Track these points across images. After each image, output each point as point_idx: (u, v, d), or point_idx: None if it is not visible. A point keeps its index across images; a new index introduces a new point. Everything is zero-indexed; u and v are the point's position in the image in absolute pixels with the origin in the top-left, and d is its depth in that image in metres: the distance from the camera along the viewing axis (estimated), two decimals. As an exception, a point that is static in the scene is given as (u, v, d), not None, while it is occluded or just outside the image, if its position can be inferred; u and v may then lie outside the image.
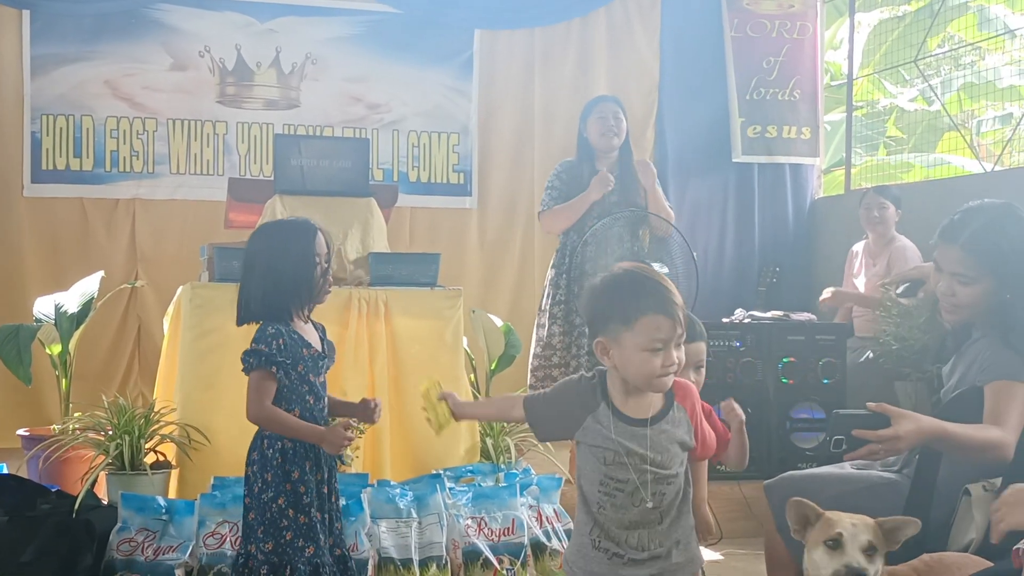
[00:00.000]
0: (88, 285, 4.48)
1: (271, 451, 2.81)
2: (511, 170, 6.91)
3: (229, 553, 3.32)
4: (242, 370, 2.84)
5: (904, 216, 5.70)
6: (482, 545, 3.55)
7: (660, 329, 2.14)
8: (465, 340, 4.66)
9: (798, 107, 7.14)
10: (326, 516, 2.88)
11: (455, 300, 4.24)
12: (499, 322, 4.74)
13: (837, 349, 5.24)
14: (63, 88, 6.29)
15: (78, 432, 3.93)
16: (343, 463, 3.47)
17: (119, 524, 3.36)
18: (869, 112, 10.18)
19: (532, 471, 4.10)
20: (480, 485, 3.80)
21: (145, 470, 3.77)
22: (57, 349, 4.32)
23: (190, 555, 3.33)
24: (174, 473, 3.93)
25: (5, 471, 4.02)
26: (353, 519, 3.41)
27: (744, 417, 2.68)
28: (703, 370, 2.82)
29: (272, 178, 4.53)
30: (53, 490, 3.61)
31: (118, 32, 6.36)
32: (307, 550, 2.77)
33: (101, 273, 4.64)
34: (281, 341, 2.78)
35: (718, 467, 3.05)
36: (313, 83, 6.67)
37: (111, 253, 6.29)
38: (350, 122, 6.71)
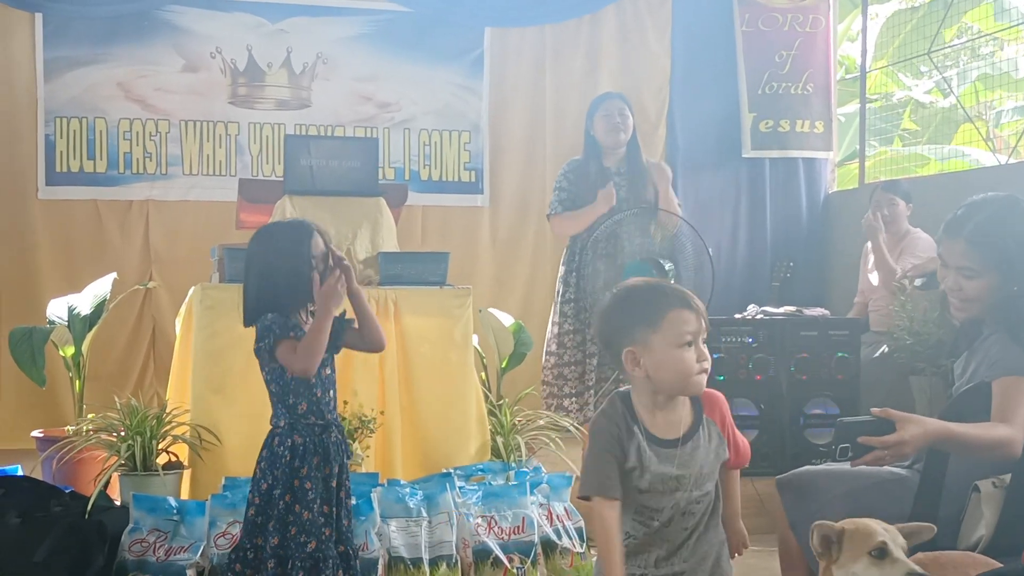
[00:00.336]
0: (101, 287, 4.50)
1: (281, 448, 2.86)
2: (522, 168, 6.90)
3: (240, 553, 3.33)
4: (259, 357, 2.89)
5: (917, 210, 5.67)
6: (492, 544, 3.55)
7: (687, 322, 2.14)
8: (476, 338, 4.66)
9: (811, 101, 7.10)
10: (333, 510, 2.90)
11: (464, 299, 4.24)
12: (508, 320, 4.73)
13: (851, 344, 5.22)
14: (76, 91, 6.32)
15: (91, 433, 3.95)
16: (352, 460, 3.47)
17: (131, 525, 3.38)
18: (884, 105, 10.13)
19: (543, 469, 4.10)
20: (490, 484, 3.80)
21: (157, 471, 3.78)
22: (70, 351, 4.34)
23: (201, 555, 3.34)
24: (186, 474, 3.94)
25: (20, 472, 4.05)
26: (363, 519, 3.42)
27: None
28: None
29: (282, 178, 4.55)
30: (67, 491, 3.63)
31: (130, 34, 6.39)
32: (308, 545, 2.81)
33: (114, 275, 4.66)
34: (281, 322, 2.84)
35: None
36: (324, 83, 6.68)
37: (125, 254, 6.32)
38: (361, 121, 6.71)
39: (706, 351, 2.17)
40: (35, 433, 4.41)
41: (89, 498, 3.50)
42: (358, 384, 3.96)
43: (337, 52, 6.70)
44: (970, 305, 2.71)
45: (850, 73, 9.76)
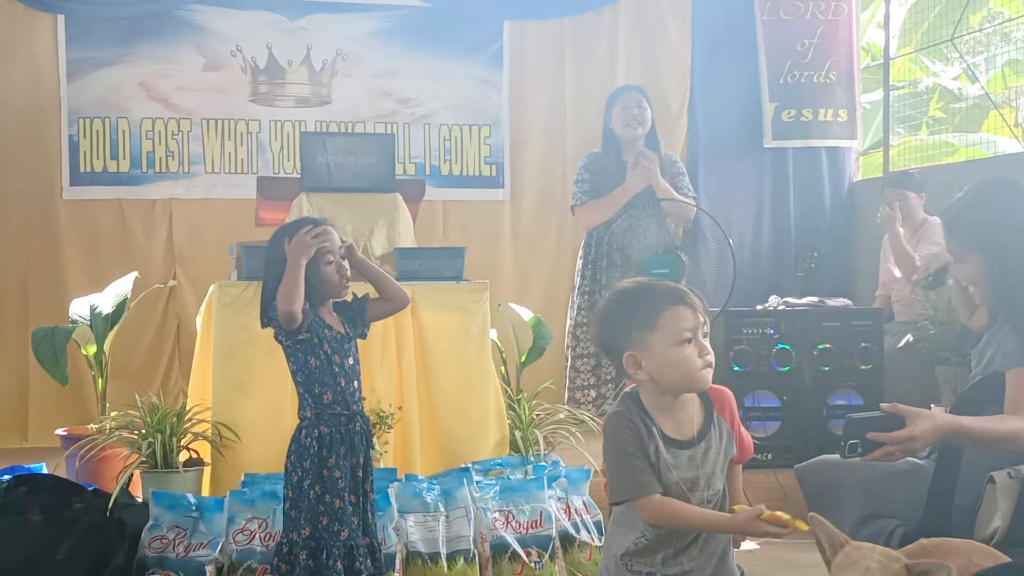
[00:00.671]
0: (122, 286, 4.54)
1: (308, 439, 2.91)
2: (543, 161, 6.89)
3: (259, 549, 3.36)
4: (278, 340, 3.00)
5: (941, 199, 5.60)
6: (510, 538, 3.55)
7: (684, 319, 2.11)
8: (495, 333, 4.67)
9: (834, 89, 7.04)
10: (360, 499, 2.95)
11: (481, 293, 4.24)
12: (527, 315, 4.73)
13: (874, 334, 5.17)
14: (99, 91, 6.38)
15: (113, 431, 3.99)
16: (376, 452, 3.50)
17: (150, 522, 3.41)
18: (911, 92, 10.01)
19: (561, 463, 4.10)
20: (508, 478, 3.81)
21: (178, 468, 3.81)
22: (93, 350, 4.39)
23: (220, 551, 3.37)
24: (207, 470, 3.98)
25: (44, 471, 4.10)
26: (381, 514, 3.42)
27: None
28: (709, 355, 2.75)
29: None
30: (90, 488, 3.67)
31: (151, 34, 6.44)
32: (342, 534, 2.86)
33: (135, 274, 4.70)
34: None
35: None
36: (344, 79, 6.70)
37: (149, 253, 6.38)
38: (381, 117, 6.73)
39: (707, 345, 2.14)
40: (59, 431, 4.46)
41: (111, 495, 3.53)
42: (376, 379, 3.97)
43: (356, 48, 6.71)
44: (968, 294, 2.69)
45: (875, 60, 9.67)
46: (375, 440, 3.81)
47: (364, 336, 3.10)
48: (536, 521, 3.61)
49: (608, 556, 2.24)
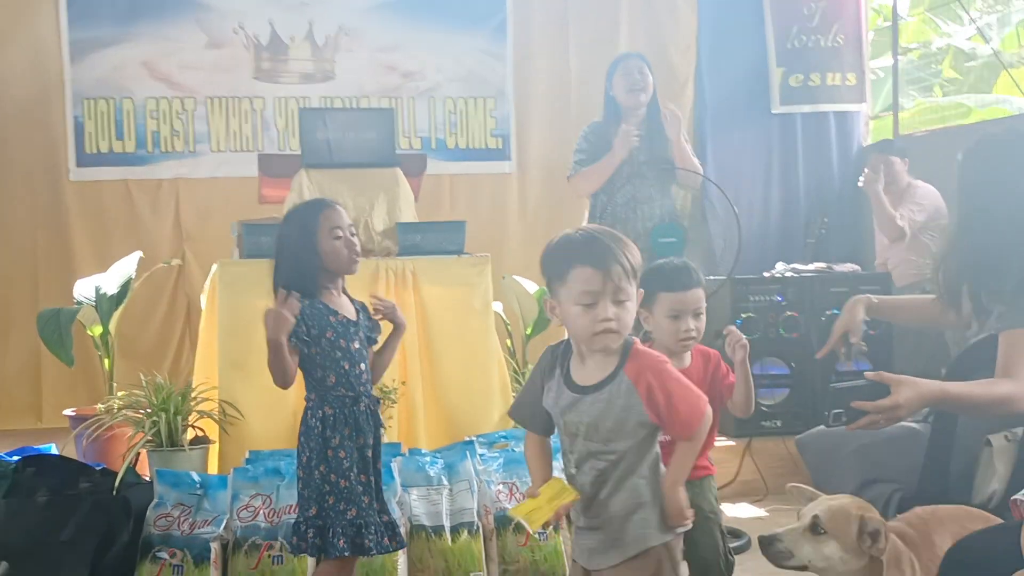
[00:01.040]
0: (126, 266, 4.55)
1: (313, 420, 2.90)
2: (550, 132, 6.84)
3: (263, 525, 3.38)
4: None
5: (949, 160, 5.56)
6: (514, 510, 3.55)
7: (589, 281, 2.09)
8: (500, 305, 4.66)
9: (842, 53, 6.97)
10: (371, 479, 2.94)
11: (483, 267, 4.23)
12: (532, 287, 4.71)
13: (882, 299, 5.13)
14: (102, 71, 6.37)
15: (119, 411, 4.01)
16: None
17: (155, 500, 3.43)
18: (923, 54, 9.90)
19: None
20: (512, 451, 3.80)
21: (183, 447, 3.83)
22: (98, 330, 4.41)
23: (225, 528, 3.38)
24: (213, 448, 4.00)
25: (54, 451, 4.13)
26: (384, 488, 3.42)
27: (748, 347, 2.69)
28: (702, 317, 2.76)
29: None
30: (98, 468, 3.69)
31: (153, 12, 6.42)
32: (348, 513, 2.84)
33: (139, 254, 4.72)
34: (284, 303, 2.85)
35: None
36: (347, 54, 6.67)
37: (157, 233, 6.39)
38: (386, 91, 6.70)
39: (613, 311, 2.09)
40: (67, 412, 4.50)
41: (117, 475, 3.55)
42: (379, 355, 3.97)
43: (359, 23, 6.68)
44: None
45: (887, 21, 9.54)
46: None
47: (373, 342, 3.07)
48: (540, 493, 3.60)
49: None
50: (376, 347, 3.05)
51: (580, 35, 6.86)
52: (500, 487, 3.61)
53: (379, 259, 4.16)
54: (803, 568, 2.18)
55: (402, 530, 3.42)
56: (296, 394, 3.88)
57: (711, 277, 4.78)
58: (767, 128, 7.00)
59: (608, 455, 2.14)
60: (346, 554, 2.82)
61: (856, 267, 5.48)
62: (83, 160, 6.36)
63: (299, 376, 3.09)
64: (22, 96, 6.26)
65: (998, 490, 2.41)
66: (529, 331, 4.69)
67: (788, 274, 5.33)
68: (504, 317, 4.72)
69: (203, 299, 4.56)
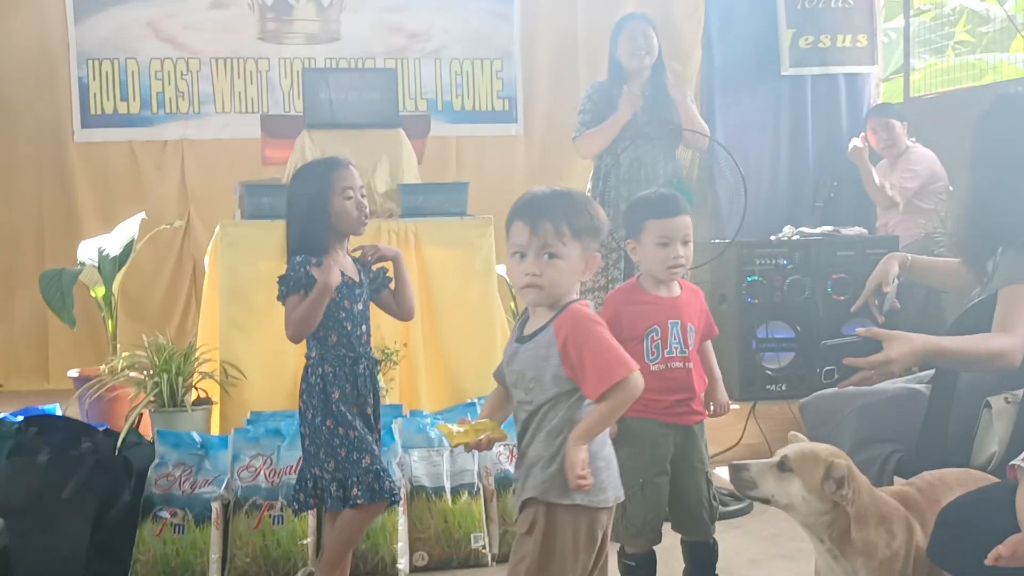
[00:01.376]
0: (129, 227, 4.55)
1: (314, 377, 2.92)
2: (556, 94, 6.79)
3: (263, 485, 3.39)
4: (277, 299, 2.92)
5: (959, 122, 5.50)
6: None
7: (518, 234, 2.16)
8: (504, 268, 4.63)
9: (852, 14, 6.87)
10: (374, 435, 2.98)
11: (485, 228, 4.21)
12: (536, 248, 4.68)
13: (889, 263, 5.09)
14: (106, 32, 6.35)
15: (122, 372, 4.02)
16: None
17: (156, 460, 3.44)
18: (936, 15, 9.76)
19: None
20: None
21: (186, 407, 3.84)
22: (101, 291, 4.41)
23: (225, 488, 3.39)
24: (215, 409, 4.00)
25: (58, 412, 4.14)
26: (385, 449, 3.43)
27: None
28: (690, 245, 2.79)
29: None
30: (101, 428, 3.70)
31: (157, -27, 6.39)
32: (363, 461, 2.88)
33: (142, 215, 4.71)
34: (309, 268, 2.85)
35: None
36: (352, 15, 6.62)
37: (162, 194, 6.39)
38: (391, 53, 6.65)
39: (536, 266, 2.13)
40: (71, 373, 4.51)
41: (119, 435, 3.56)
42: (380, 317, 3.94)
43: (365, -18, 6.63)
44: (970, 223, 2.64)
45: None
46: (380, 378, 3.82)
47: (375, 296, 3.08)
48: (540, 454, 3.60)
49: None
50: (392, 287, 3.08)
51: (587, -5, 6.79)
52: (500, 448, 3.60)
53: (381, 220, 4.14)
54: (766, 501, 2.22)
55: (402, 491, 3.44)
56: (296, 355, 3.88)
57: (716, 240, 4.75)
58: (776, 90, 6.92)
59: (528, 405, 2.17)
60: (360, 502, 2.84)
61: (863, 230, 5.44)
62: (88, 121, 6.35)
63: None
64: (27, 57, 6.24)
65: (997, 452, 2.40)
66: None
67: (795, 237, 5.29)
68: (507, 279, 4.70)
69: (207, 260, 4.56)
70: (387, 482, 2.90)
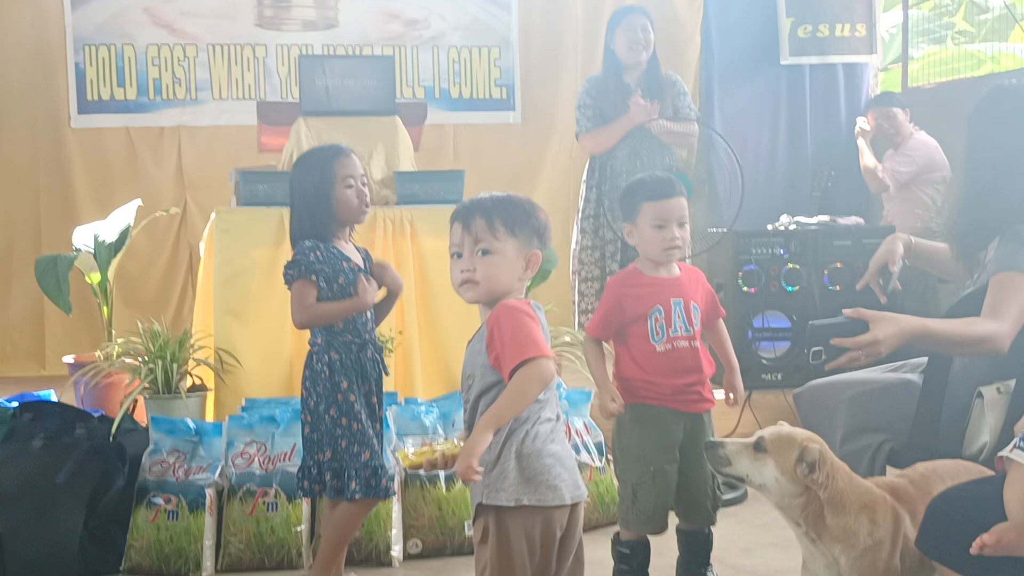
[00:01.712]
0: (125, 214, 4.54)
1: (320, 365, 2.92)
2: (555, 82, 6.79)
3: (258, 472, 3.39)
4: (285, 283, 2.92)
5: (959, 113, 5.50)
6: (508, 460, 3.55)
7: (454, 234, 2.20)
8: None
9: (852, 3, 6.86)
10: (376, 425, 2.98)
11: (481, 216, 4.19)
12: (532, 238, 4.68)
13: (886, 253, 5.09)
14: (103, 17, 6.33)
15: (116, 358, 4.02)
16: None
17: (151, 446, 3.44)
18: (936, 5, 9.76)
19: (563, 385, 4.08)
20: (509, 400, 3.79)
21: (180, 394, 3.84)
22: (97, 278, 4.41)
23: (219, 475, 3.40)
24: (210, 396, 4.01)
25: (53, 398, 4.14)
26: (379, 437, 3.44)
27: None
28: (687, 227, 2.81)
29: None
30: (96, 415, 3.70)
31: (154, -42, 6.37)
32: (363, 455, 2.88)
33: (138, 201, 4.70)
34: (318, 253, 2.87)
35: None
36: (350, 2, 6.60)
37: (159, 181, 6.38)
38: (389, 40, 6.64)
39: (470, 262, 2.16)
40: (66, 359, 4.51)
41: (114, 421, 3.57)
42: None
43: (362, -31, 6.61)
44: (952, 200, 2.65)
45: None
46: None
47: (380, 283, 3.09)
48: (535, 442, 3.60)
49: None
50: (379, 295, 3.07)
51: (586, -16, 6.78)
52: (496, 437, 3.60)
53: (377, 208, 4.13)
54: (740, 480, 2.24)
55: (396, 479, 3.44)
56: (293, 343, 3.90)
57: (713, 229, 4.74)
58: (775, 79, 6.92)
59: (467, 404, 2.19)
60: (357, 496, 2.85)
61: (860, 220, 5.43)
62: (84, 107, 6.34)
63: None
64: (23, 42, 6.23)
65: (989, 442, 2.40)
66: (529, 282, 4.66)
67: (791, 227, 5.28)
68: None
69: (202, 247, 4.55)
70: (384, 479, 2.90)
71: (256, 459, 3.42)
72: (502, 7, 6.76)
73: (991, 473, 2.15)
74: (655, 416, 2.76)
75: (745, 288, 5.02)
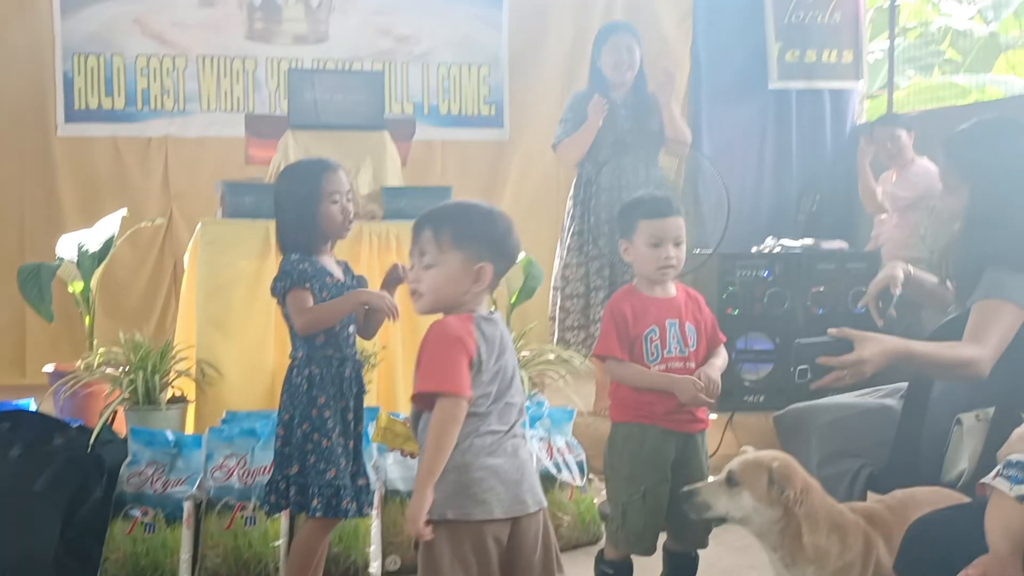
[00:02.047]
0: (109, 224, 4.52)
1: (299, 379, 2.89)
2: (544, 100, 6.80)
3: (237, 486, 3.36)
4: (275, 297, 2.89)
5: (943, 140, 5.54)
6: (489, 477, 3.54)
7: (411, 245, 2.24)
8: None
9: (839, 30, 6.92)
10: (350, 442, 2.94)
11: (467, 233, 4.19)
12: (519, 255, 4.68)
13: (869, 277, 5.04)
14: (93, 26, 6.33)
15: (96, 368, 3.99)
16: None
17: (129, 458, 3.41)
18: (922, 33, 9.84)
19: (546, 403, 4.08)
20: (490, 418, 3.78)
21: (160, 405, 3.82)
22: (79, 287, 4.38)
23: (198, 487, 3.37)
24: (191, 408, 3.98)
25: (32, 407, 4.11)
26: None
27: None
28: (683, 247, 2.80)
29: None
30: (75, 425, 3.67)
31: (146, -31, 6.38)
32: (328, 473, 2.84)
33: (123, 211, 4.69)
34: (306, 265, 2.86)
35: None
36: (341, 16, 6.62)
37: (145, 191, 6.37)
38: (379, 55, 6.66)
39: (416, 275, 2.19)
40: (47, 368, 4.48)
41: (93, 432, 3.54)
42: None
43: (354, -15, 6.63)
44: (949, 225, 2.65)
45: (887, 1, 9.47)
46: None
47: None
48: (516, 460, 3.59)
49: None
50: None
51: (576, 4, 6.82)
52: (477, 454, 3.59)
53: (363, 223, 4.13)
54: (722, 520, 2.25)
55: (376, 494, 3.42)
56: (275, 355, 3.89)
57: (698, 251, 4.76)
58: (762, 103, 6.97)
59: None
60: (318, 514, 2.83)
61: (844, 244, 5.45)
62: (72, 116, 6.33)
63: (278, 336, 3.09)
64: (11, 49, 6.22)
65: (967, 469, 2.41)
66: (514, 299, 4.67)
67: (776, 250, 5.30)
68: (488, 285, 4.69)
69: (187, 258, 4.54)
70: (345, 500, 2.84)
71: (235, 472, 3.39)
72: (492, 25, 6.78)
73: (969, 501, 2.15)
74: (647, 435, 2.74)
75: (729, 309, 5.04)
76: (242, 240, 3.91)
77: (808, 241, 5.42)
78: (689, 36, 6.88)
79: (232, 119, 6.41)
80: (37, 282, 4.18)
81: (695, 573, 2.90)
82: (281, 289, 2.85)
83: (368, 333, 3.08)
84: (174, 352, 3.97)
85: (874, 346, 2.35)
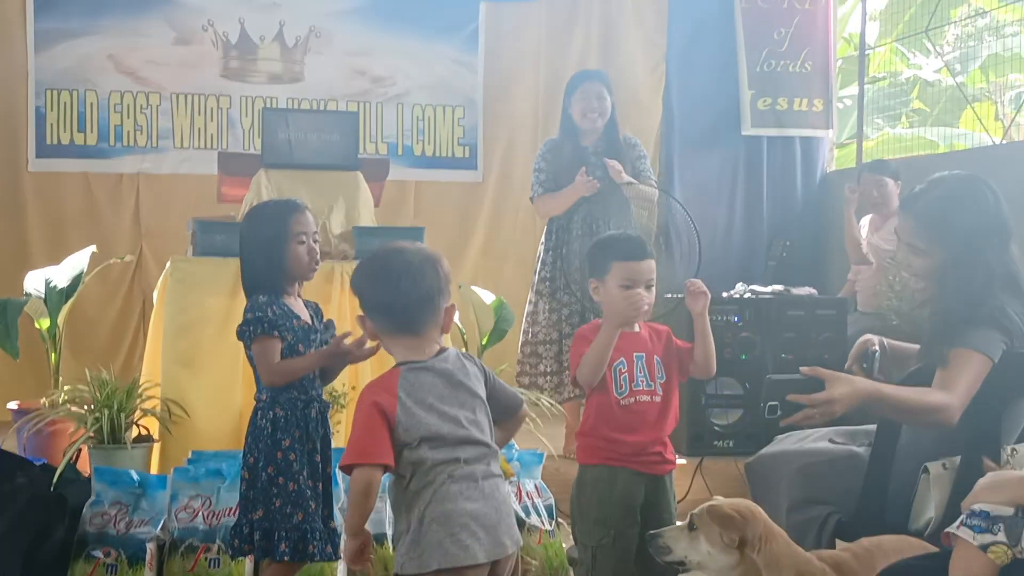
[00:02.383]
0: (78, 260, 4.49)
1: (263, 421, 2.87)
2: (517, 143, 6.84)
3: (201, 527, 3.33)
4: (241, 340, 2.87)
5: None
6: (457, 521, 3.51)
7: None
8: (457, 315, 4.62)
9: (810, 79, 7.01)
10: (319, 484, 2.91)
11: (439, 275, 4.19)
12: (489, 297, 4.70)
13: (838, 324, 5.14)
14: (67, 63, 6.31)
15: (62, 406, 3.95)
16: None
17: (92, 497, 3.37)
18: (892, 83, 9.98)
19: (515, 446, 4.06)
20: (459, 461, 3.76)
21: (126, 444, 3.78)
22: (46, 323, 4.34)
23: (162, 528, 3.33)
24: (156, 447, 3.94)
25: (-7, 445, 4.05)
26: (327, 494, 3.39)
27: (709, 297, 2.73)
28: (653, 290, 2.80)
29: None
30: (38, 463, 3.63)
31: (121, 6, 6.36)
32: (295, 516, 2.81)
33: (92, 248, 4.65)
34: (273, 309, 2.84)
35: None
36: (317, 56, 6.64)
37: (115, 228, 6.32)
38: (354, 95, 6.67)
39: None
40: (11, 405, 4.42)
41: (56, 471, 3.49)
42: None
43: (330, 25, 6.65)
44: (918, 282, 2.68)
45: (856, 50, 9.61)
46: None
47: (326, 342, 3.05)
48: (485, 504, 3.57)
49: None
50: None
51: (551, 48, 6.87)
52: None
53: (335, 262, 4.12)
54: (681, 563, 2.28)
55: (342, 538, 3.39)
56: (242, 394, 3.86)
57: (668, 295, 4.78)
58: (734, 150, 7.03)
59: None
60: (286, 559, 2.80)
61: (813, 291, 5.49)
62: (43, 151, 6.29)
63: (245, 376, 3.06)
64: (-16, 84, 6.18)
65: (934, 517, 2.42)
66: (485, 341, 4.67)
67: (746, 295, 5.33)
68: (460, 326, 4.70)
69: (155, 296, 4.51)
70: (312, 544, 2.83)
71: (200, 513, 3.36)
72: (468, 67, 6.83)
73: (935, 550, 2.16)
74: (616, 478, 2.73)
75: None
76: (212, 278, 3.90)
77: (778, 287, 5.46)
78: (662, 83, 6.93)
79: (205, 156, 6.38)
80: (3, 318, 4.14)
81: None
82: (248, 335, 2.84)
83: (327, 379, 3.06)
84: (140, 390, 3.94)
85: (845, 386, 2.38)
